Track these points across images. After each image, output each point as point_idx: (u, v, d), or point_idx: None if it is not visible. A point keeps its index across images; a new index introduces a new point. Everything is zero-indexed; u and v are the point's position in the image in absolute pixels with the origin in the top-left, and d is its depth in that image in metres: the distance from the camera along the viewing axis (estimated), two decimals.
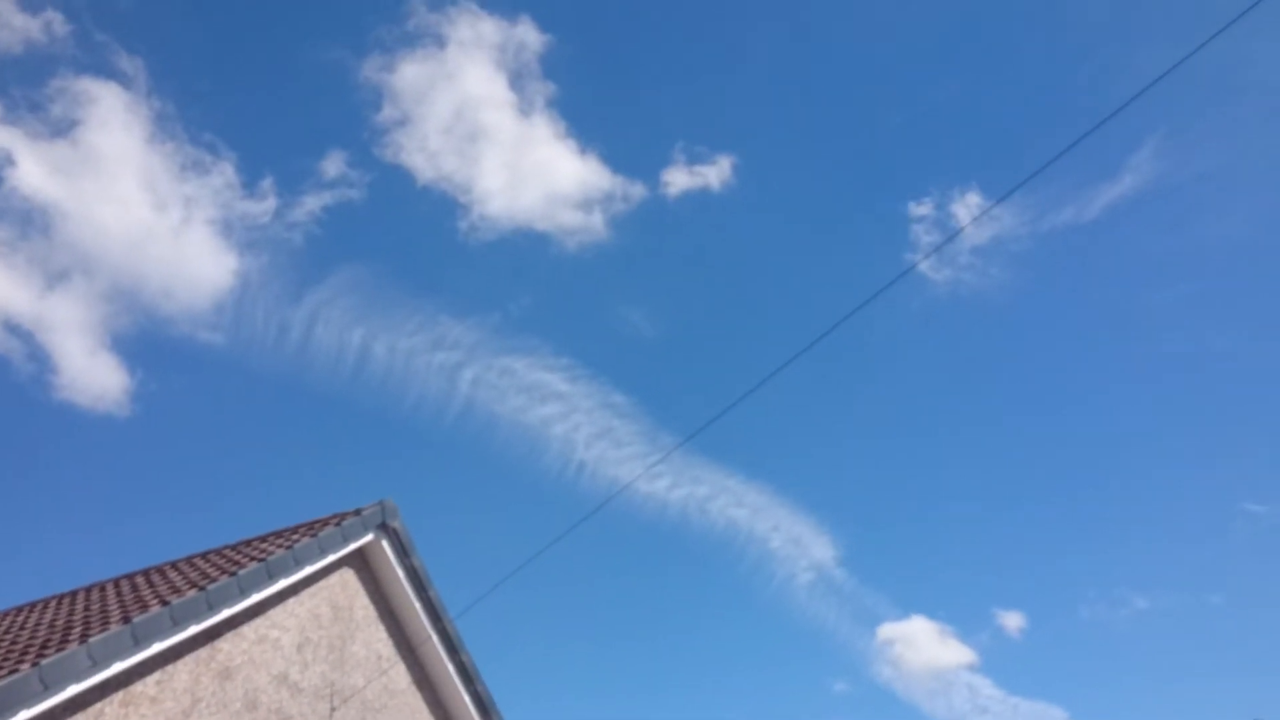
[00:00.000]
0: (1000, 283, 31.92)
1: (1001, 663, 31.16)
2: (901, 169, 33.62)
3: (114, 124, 28.21)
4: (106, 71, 29.09)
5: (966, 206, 29.19)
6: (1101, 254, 32.76)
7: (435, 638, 10.46)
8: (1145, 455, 33.77)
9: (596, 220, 31.41)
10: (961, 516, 34.29)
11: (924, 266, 28.25)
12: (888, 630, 30.73)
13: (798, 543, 30.74)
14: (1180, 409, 33.59)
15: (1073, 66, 32.43)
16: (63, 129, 27.99)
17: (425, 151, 30.99)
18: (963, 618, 34.73)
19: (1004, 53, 33.47)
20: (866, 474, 34.83)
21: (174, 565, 9.90)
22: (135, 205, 28.72)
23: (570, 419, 30.30)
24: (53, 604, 10.03)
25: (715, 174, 31.59)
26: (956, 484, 34.58)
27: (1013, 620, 30.71)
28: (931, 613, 32.64)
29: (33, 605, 10.58)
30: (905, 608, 32.36)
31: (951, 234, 29.40)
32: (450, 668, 10.65)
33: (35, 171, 27.02)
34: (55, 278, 28.34)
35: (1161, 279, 33.25)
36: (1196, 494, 33.38)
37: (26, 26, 27.67)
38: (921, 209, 30.82)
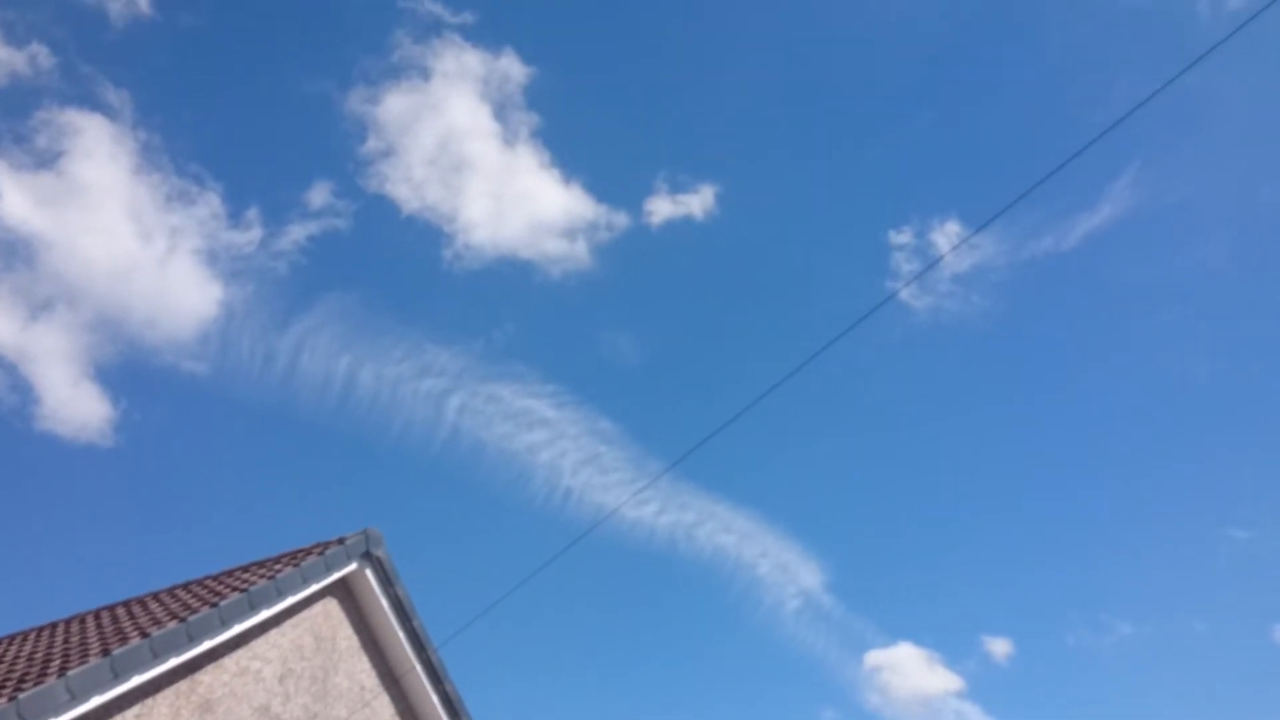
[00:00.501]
0: (981, 310, 32.17)
1: (989, 689, 31.09)
2: (881, 198, 33.96)
3: (99, 155, 28.22)
4: (92, 103, 29.14)
5: (946, 235, 29.49)
6: (1081, 282, 33.09)
7: (419, 668, 10.38)
8: (1127, 481, 33.95)
9: (580, 248, 31.57)
10: (947, 543, 34.36)
11: (905, 294, 28.50)
12: (875, 657, 30.64)
13: (785, 569, 30.70)
14: (1162, 435, 33.81)
15: (1050, 97, 32.89)
16: (47, 160, 27.98)
17: (410, 182, 31.13)
18: (950, 644, 34.67)
19: (982, 84, 33.93)
20: (853, 500, 34.89)
21: (155, 596, 9.82)
22: (120, 236, 28.68)
23: (557, 445, 30.26)
24: (32, 636, 9.92)
25: (698, 203, 31.84)
26: (942, 510, 34.66)
27: (1000, 647, 30.69)
28: (919, 639, 32.54)
29: (11, 638, 10.46)
30: (892, 634, 32.29)
31: (932, 262, 29.71)
32: (434, 699, 10.56)
33: (20, 203, 26.99)
34: (39, 308, 28.24)
35: (1141, 307, 33.57)
36: (1179, 520, 33.55)
37: (11, 59, 27.71)
38: (902, 237, 31.12)
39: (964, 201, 30.85)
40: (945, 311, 31.76)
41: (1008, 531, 34.17)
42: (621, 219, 31.80)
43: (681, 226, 32.06)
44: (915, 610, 33.54)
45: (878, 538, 34.51)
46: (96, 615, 9.78)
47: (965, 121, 33.98)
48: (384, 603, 10.10)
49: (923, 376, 34.28)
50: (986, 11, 33.17)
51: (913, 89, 34.05)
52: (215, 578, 9.76)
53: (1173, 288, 33.07)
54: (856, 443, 34.68)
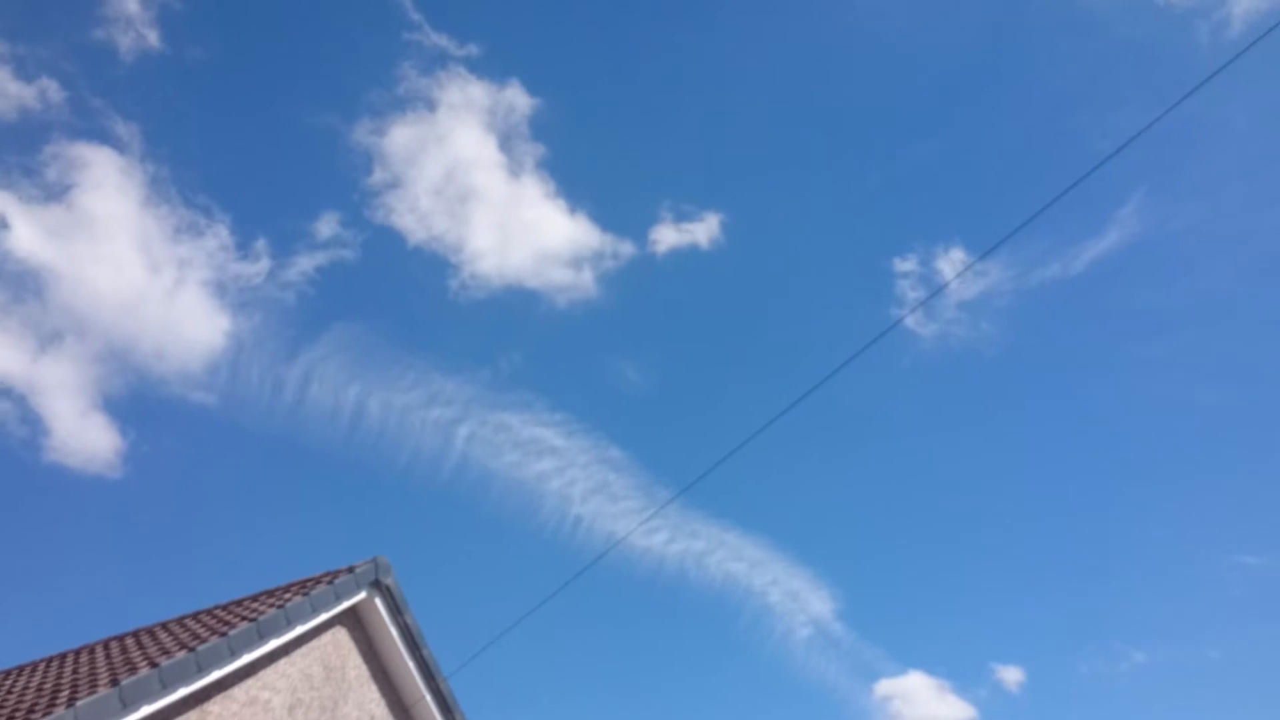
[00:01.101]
0: (989, 336, 32.15)
1: (1001, 718, 30.76)
2: (886, 225, 34.08)
3: (108, 188, 28.49)
4: (101, 136, 29.46)
5: (951, 262, 29.54)
6: (1088, 308, 33.05)
7: (429, 697, 10.32)
8: (1138, 508, 33.73)
9: (586, 277, 31.69)
10: (958, 570, 34.13)
11: (911, 321, 28.49)
12: (886, 686, 30.36)
13: (796, 597, 30.49)
14: (1172, 461, 33.64)
15: (1053, 125, 33.05)
16: (57, 193, 28.25)
17: (416, 212, 31.33)
18: (961, 672, 34.35)
19: (985, 112, 34.09)
20: (863, 527, 34.71)
21: (164, 626, 9.79)
22: (129, 267, 28.90)
23: (566, 474, 30.21)
24: (41, 667, 9.90)
25: (703, 231, 31.97)
26: (952, 538, 34.45)
27: (1011, 675, 30.38)
28: (930, 668, 32.32)
29: (21, 668, 10.44)
30: (903, 663, 31.98)
31: (937, 289, 29.73)
32: None
33: (29, 235, 27.22)
34: (48, 340, 28.41)
35: (1148, 332, 33.50)
36: (1190, 547, 33.30)
37: (22, 94, 28.07)
38: (906, 265, 31.19)
39: (968, 229, 30.95)
40: (953, 338, 31.75)
41: (1018, 559, 33.93)
42: (627, 248, 31.94)
43: (687, 255, 32.18)
44: (926, 638, 33.29)
45: (888, 565, 34.32)
46: (105, 645, 9.76)
47: (969, 149, 34.14)
48: (393, 631, 10.05)
49: (931, 402, 34.23)
50: (988, 40, 33.39)
51: (916, 117, 34.24)
52: (224, 607, 9.74)
53: (1179, 313, 33.02)
54: (866, 469, 34.59)
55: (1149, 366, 33.23)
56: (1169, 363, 33.09)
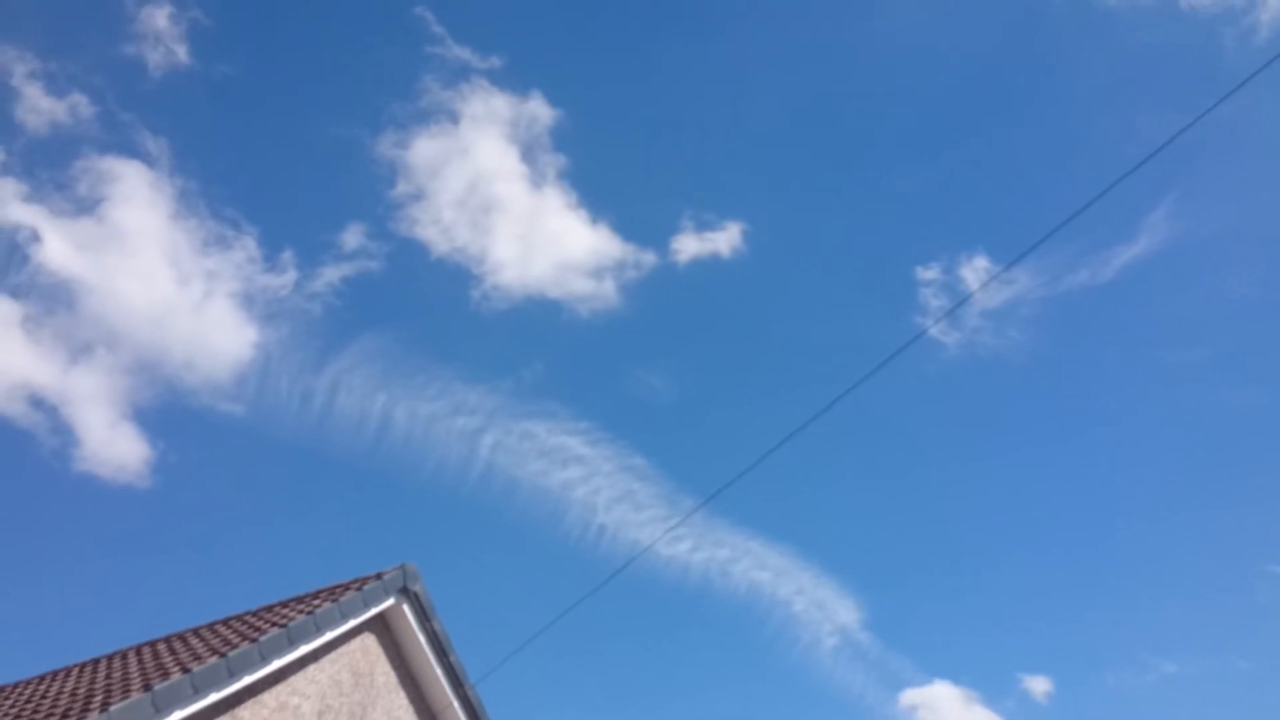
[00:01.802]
0: (1017, 344, 31.88)
1: None
2: (909, 233, 33.86)
3: (138, 201, 28.84)
4: (131, 150, 29.84)
5: (974, 270, 29.35)
6: (1119, 315, 32.72)
7: (456, 704, 10.33)
8: (1166, 517, 33.30)
9: (608, 287, 31.71)
10: (985, 579, 33.79)
11: (934, 330, 28.25)
12: (912, 696, 30.09)
13: (821, 606, 30.29)
14: (1200, 470, 33.20)
15: (1080, 132, 32.78)
16: (88, 207, 28.66)
17: (440, 224, 31.51)
18: (988, 683, 34.03)
19: (1010, 119, 33.87)
20: (889, 536, 34.44)
21: (195, 632, 9.86)
22: (158, 280, 29.22)
23: (590, 482, 30.20)
24: (75, 672, 10.01)
25: (725, 240, 31.93)
26: (979, 546, 34.13)
27: (1039, 685, 30.04)
28: (956, 678, 31.93)
29: (55, 673, 10.56)
30: (929, 672, 31.71)
31: (964, 298, 29.50)
32: None
33: (61, 248, 27.62)
34: (79, 351, 28.78)
35: (1179, 339, 33.12)
36: (1219, 556, 32.81)
37: (53, 109, 28.51)
38: (929, 273, 31.00)
39: (991, 236, 30.74)
40: (979, 346, 31.51)
41: (1046, 568, 33.59)
42: (649, 257, 31.94)
43: (709, 264, 32.14)
44: (953, 648, 32.98)
45: (915, 574, 34.03)
46: (138, 651, 9.85)
47: (993, 157, 33.92)
48: (421, 638, 10.07)
49: (958, 411, 33.94)
50: (1014, 46, 33.20)
51: (939, 124, 34.08)
52: (254, 613, 9.79)
53: (1210, 319, 32.63)
54: (892, 478, 34.34)
55: (1179, 374, 32.84)
56: (1199, 370, 32.70)
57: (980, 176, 33.90)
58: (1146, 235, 30.51)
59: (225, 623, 9.86)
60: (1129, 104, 31.96)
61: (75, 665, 10.61)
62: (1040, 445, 34.08)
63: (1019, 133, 33.82)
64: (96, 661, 10.25)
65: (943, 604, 33.71)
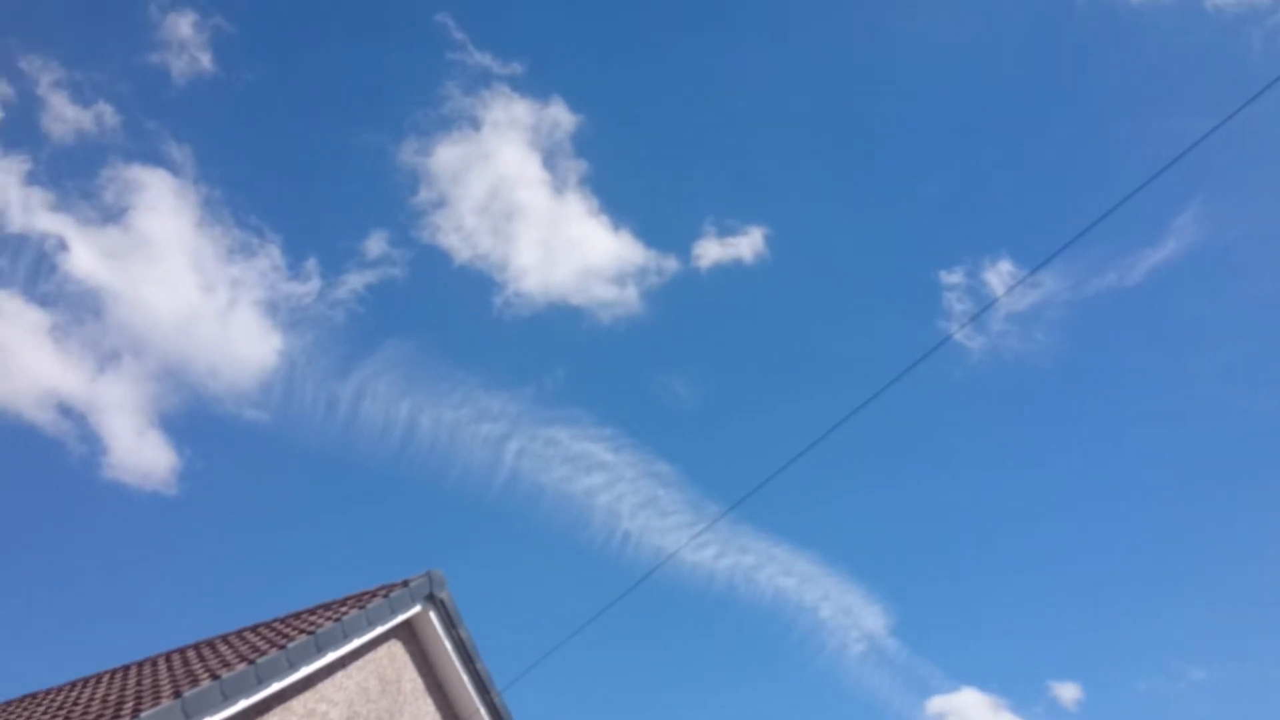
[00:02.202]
0: (1043, 348, 31.61)
1: None
2: (932, 237, 33.66)
3: (163, 209, 29.11)
4: (156, 159, 30.17)
5: (999, 274, 29.15)
6: (1146, 318, 32.40)
7: (483, 711, 10.34)
8: (1195, 522, 32.88)
9: (630, 294, 31.69)
10: (1013, 585, 33.46)
11: (959, 335, 28.02)
12: (938, 703, 29.82)
13: (848, 612, 30.09)
14: (1229, 474, 32.76)
15: (1105, 133, 32.48)
16: (114, 215, 28.97)
17: (461, 231, 31.58)
18: (1016, 690, 33.62)
19: (1034, 122, 33.65)
20: (916, 542, 34.17)
21: (224, 639, 9.93)
22: (184, 288, 29.46)
23: (615, 488, 30.16)
24: (106, 679, 10.09)
25: (748, 245, 31.83)
26: (1007, 552, 33.84)
27: (1068, 692, 29.69)
28: (984, 685, 31.62)
29: (86, 680, 10.65)
30: (957, 679, 31.40)
31: (988, 303, 29.33)
32: None
33: (87, 257, 27.92)
34: (106, 359, 29.09)
35: (1209, 342, 32.72)
36: (1249, 561, 32.34)
37: (78, 118, 28.85)
38: (953, 277, 30.77)
39: (1016, 240, 30.54)
40: (1005, 350, 31.27)
41: (1075, 573, 33.23)
42: (671, 263, 31.89)
43: (731, 270, 32.05)
44: (981, 655, 32.66)
45: (942, 580, 33.71)
46: (168, 658, 9.93)
47: (1017, 160, 33.70)
48: (448, 645, 10.09)
49: (985, 415, 33.66)
50: (1038, 49, 32.99)
51: (963, 127, 33.90)
52: (282, 620, 9.83)
53: (1239, 321, 32.25)
54: (918, 484, 34.08)
55: (1208, 376, 32.47)
56: (1228, 372, 32.32)
57: (1004, 180, 33.70)
58: (1174, 238, 30.21)
59: (253, 630, 9.92)
60: (1155, 106, 31.70)
61: (106, 672, 10.70)
62: (1068, 450, 33.76)
63: (1043, 136, 33.60)
64: (127, 668, 10.34)
65: (971, 610, 33.40)
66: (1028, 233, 30.92)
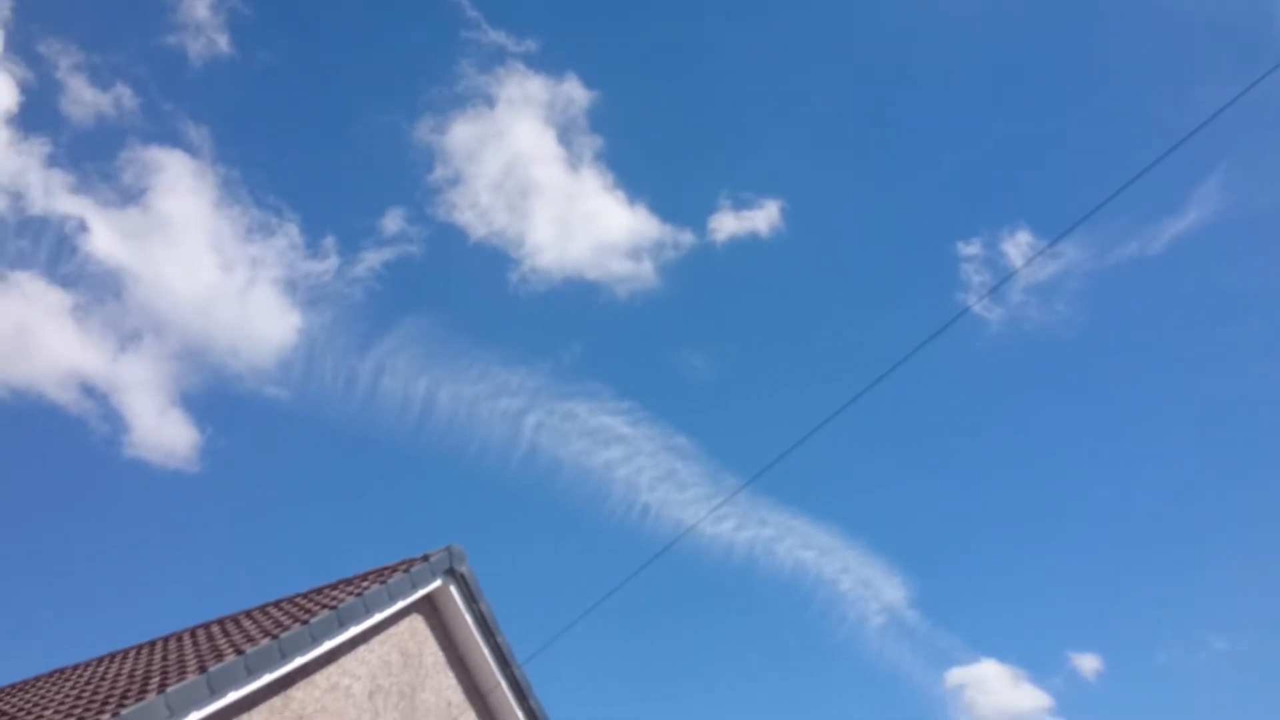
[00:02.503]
0: (1065, 319, 31.41)
1: (1078, 707, 30.11)
2: (950, 209, 33.40)
3: (182, 190, 29.28)
4: (174, 140, 30.29)
5: (1017, 245, 28.94)
6: (1168, 288, 32.10)
7: (504, 684, 10.41)
8: (1219, 491, 32.69)
9: (646, 268, 31.65)
10: (1032, 556, 33.45)
11: (977, 307, 27.77)
12: (959, 674, 29.90)
13: (868, 584, 30.16)
14: (1253, 446, 32.51)
15: (1129, 102, 32.07)
16: (133, 196, 29.15)
17: (477, 208, 31.62)
18: (1037, 661, 33.71)
19: (1057, 90, 33.18)
20: (936, 514, 34.17)
21: (247, 614, 10.00)
22: (203, 267, 29.68)
23: (633, 462, 30.27)
24: (132, 654, 10.21)
25: (763, 218, 31.75)
26: (1026, 523, 33.75)
27: (1088, 663, 29.72)
28: (1004, 656, 31.68)
29: (113, 655, 10.79)
30: (977, 650, 31.44)
31: (1007, 274, 29.07)
32: (520, 714, 10.56)
33: (108, 238, 28.13)
34: (127, 339, 29.33)
35: (1231, 312, 32.40)
36: (1271, 532, 32.15)
37: (97, 101, 28.97)
38: (971, 248, 30.57)
39: (1034, 211, 30.29)
40: (1026, 321, 31.04)
41: (1095, 544, 33.16)
42: (687, 237, 31.81)
43: (747, 243, 31.95)
44: (1001, 626, 32.69)
45: (961, 552, 33.75)
46: (193, 633, 10.02)
47: (1037, 130, 33.36)
48: (468, 619, 10.15)
49: (1005, 386, 33.53)
50: (1061, 19, 32.51)
51: (981, 97, 33.49)
52: (305, 595, 9.90)
53: (1262, 292, 31.88)
54: (938, 456, 34.02)
55: (1230, 347, 32.16)
56: (1250, 343, 31.99)
57: (1023, 150, 33.39)
58: (1197, 207, 29.88)
59: (276, 605, 9.99)
60: (1179, 76, 31.30)
61: (132, 648, 10.82)
62: (1088, 420, 33.60)
63: (1064, 106, 33.25)
64: (153, 644, 10.45)
65: (990, 582, 33.45)
66: (1047, 203, 30.66)
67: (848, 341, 33.46)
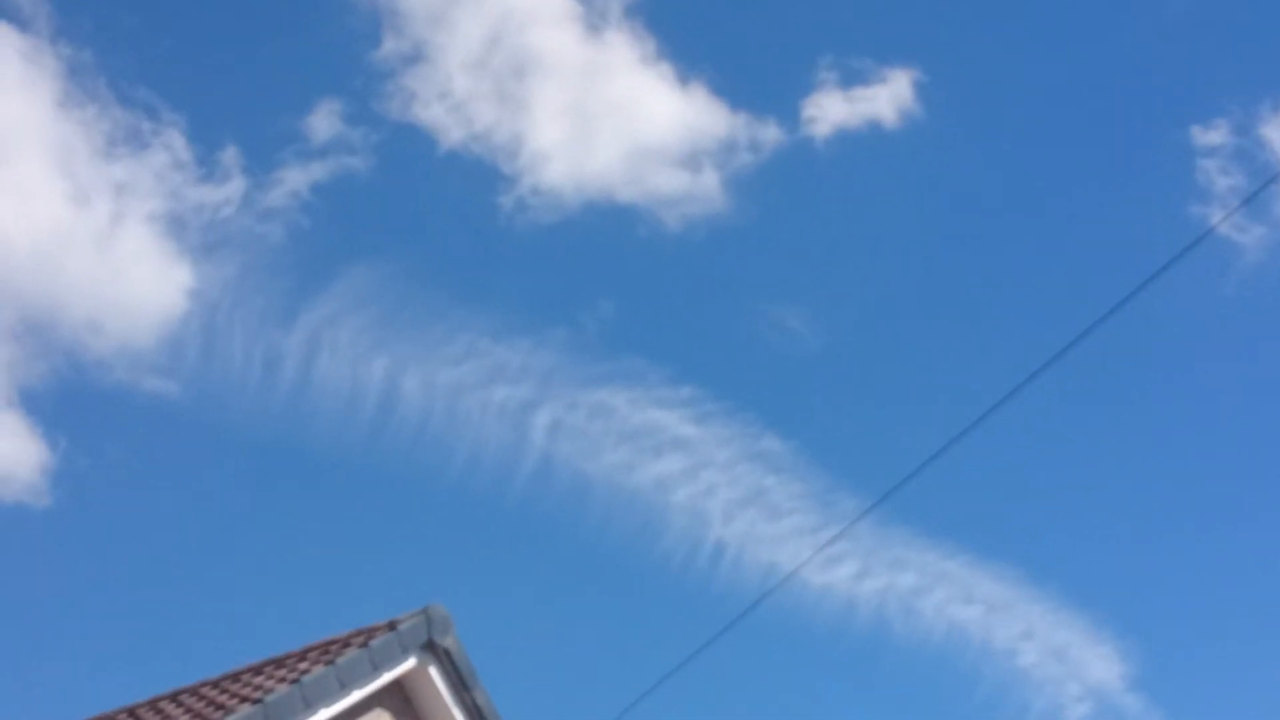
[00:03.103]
0: None
1: None
2: (1174, 77, 26.40)
3: (8, 81, 24.71)
4: None
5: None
6: None
7: None
8: None
9: (709, 182, 24.96)
10: None
11: (1224, 226, 20.99)
12: None
13: (1063, 657, 24.04)
14: None
15: None
16: None
17: (449, 98, 25.09)
18: None
19: None
20: (1165, 550, 26.88)
21: (131, 712, 8.10)
22: (44, 198, 24.24)
23: (700, 478, 24.02)
24: None
25: (887, 98, 24.74)
26: None
27: None
28: None
29: None
30: None
31: (1272, 175, 21.73)
32: None
33: None
34: None
35: None
36: None
37: None
38: (1211, 136, 23.58)
39: None
40: None
41: None
42: (770, 132, 25.04)
43: (863, 137, 24.77)
44: (1260, 710, 26.54)
45: (1203, 607, 26.44)
46: None
47: None
48: (457, 714, 8.05)
49: (1271, 343, 26.51)
50: None
51: None
52: (215, 683, 7.90)
53: None
54: (1165, 461, 26.93)
55: None
56: None
57: None
58: None
59: (173, 698, 8.01)
60: None
61: None
62: None
63: None
64: None
65: (1247, 651, 26.50)
66: None
67: (1020, 287, 26.33)
